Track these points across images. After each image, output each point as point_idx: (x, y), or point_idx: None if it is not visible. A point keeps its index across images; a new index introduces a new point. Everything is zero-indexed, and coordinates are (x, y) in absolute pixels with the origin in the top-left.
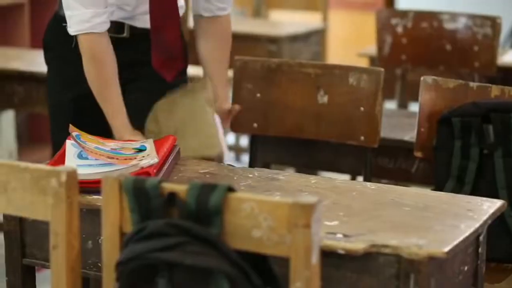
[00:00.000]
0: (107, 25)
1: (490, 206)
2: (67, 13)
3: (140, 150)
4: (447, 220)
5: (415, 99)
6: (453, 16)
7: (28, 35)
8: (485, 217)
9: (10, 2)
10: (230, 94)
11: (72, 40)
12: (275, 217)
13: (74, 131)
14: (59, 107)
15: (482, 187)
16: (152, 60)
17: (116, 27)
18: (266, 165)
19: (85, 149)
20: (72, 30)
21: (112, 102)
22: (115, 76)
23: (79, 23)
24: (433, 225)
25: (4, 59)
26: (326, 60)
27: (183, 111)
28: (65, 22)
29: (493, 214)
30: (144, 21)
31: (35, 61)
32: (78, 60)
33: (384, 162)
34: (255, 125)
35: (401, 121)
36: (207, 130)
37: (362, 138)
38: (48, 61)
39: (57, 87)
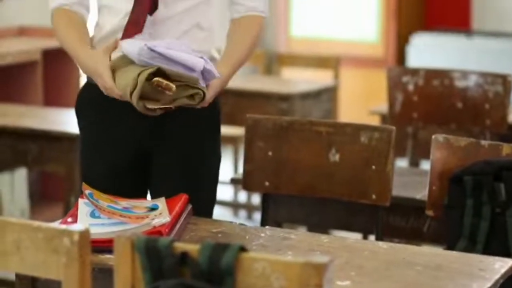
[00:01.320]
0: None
1: (502, 265)
2: None
3: (152, 209)
4: (459, 280)
5: (427, 157)
6: (464, 74)
7: (41, 93)
8: (497, 277)
9: (24, 60)
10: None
11: (105, 106)
12: (286, 277)
13: (87, 190)
14: (90, 175)
15: (494, 246)
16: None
17: None
18: (278, 224)
19: (98, 207)
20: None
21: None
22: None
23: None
24: (445, 284)
25: (17, 116)
26: (338, 117)
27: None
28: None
29: (505, 273)
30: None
31: (48, 119)
32: (111, 127)
33: (395, 221)
34: (266, 183)
35: (412, 180)
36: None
37: (374, 196)
38: (80, 128)
39: (89, 155)
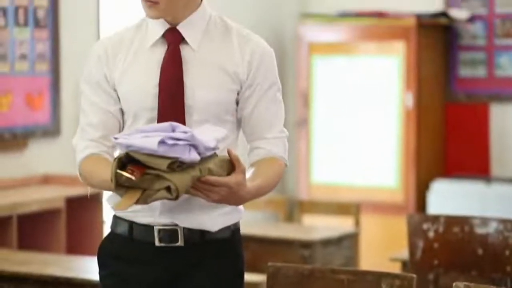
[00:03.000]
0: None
1: None
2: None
3: None
4: None
5: None
6: (484, 221)
7: (64, 241)
8: None
9: (48, 207)
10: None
11: (127, 258)
12: None
13: None
14: None
15: None
16: None
17: (168, 233)
18: None
19: None
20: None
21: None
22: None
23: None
24: None
25: (40, 265)
26: (359, 263)
27: None
28: (120, 240)
29: None
30: (193, 220)
31: (71, 267)
32: (132, 279)
33: None
34: None
35: None
36: None
37: None
38: (101, 278)
39: None
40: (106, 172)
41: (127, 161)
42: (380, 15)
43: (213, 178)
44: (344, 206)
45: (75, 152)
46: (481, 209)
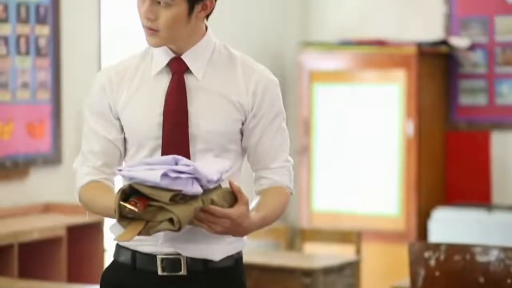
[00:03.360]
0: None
1: None
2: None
3: None
4: None
5: None
6: (485, 249)
7: (65, 269)
8: None
9: (49, 236)
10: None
11: (129, 287)
12: None
13: None
14: None
15: None
16: None
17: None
18: None
19: None
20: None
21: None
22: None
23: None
24: None
25: None
26: None
27: None
28: (123, 269)
29: None
30: (195, 250)
31: None
32: None
33: None
34: None
35: None
36: None
37: None
38: None
39: None
40: (107, 199)
41: (131, 193)
42: (380, 43)
43: (215, 208)
44: (345, 234)
45: (75, 177)
46: (483, 237)
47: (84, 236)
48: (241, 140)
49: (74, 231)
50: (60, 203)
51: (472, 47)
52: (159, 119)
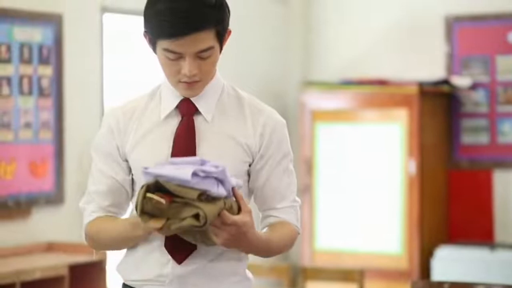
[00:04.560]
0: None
1: None
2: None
3: None
4: None
5: None
6: (489, 287)
7: None
8: None
9: (51, 275)
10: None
11: None
12: None
13: None
14: None
15: None
16: (165, 243)
17: None
18: None
19: None
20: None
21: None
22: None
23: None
24: None
25: None
26: None
27: None
28: None
29: None
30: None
31: None
32: None
33: None
34: None
35: None
36: None
37: None
38: None
39: None
40: (115, 228)
41: (155, 189)
42: (382, 83)
43: (227, 213)
44: (348, 272)
45: (83, 215)
46: (485, 275)
47: (86, 275)
48: (248, 181)
49: (76, 270)
50: (62, 242)
51: (474, 86)
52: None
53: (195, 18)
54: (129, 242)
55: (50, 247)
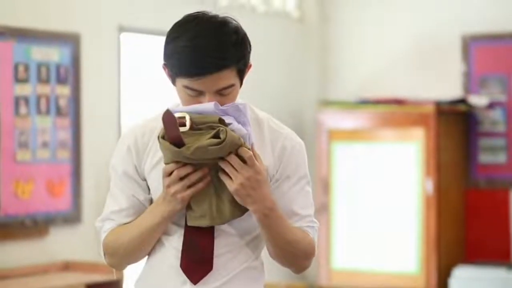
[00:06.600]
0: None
1: None
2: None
3: None
4: None
5: None
6: None
7: None
8: None
9: None
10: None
11: None
12: None
13: None
14: None
15: None
16: (181, 262)
17: None
18: None
19: None
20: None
21: (141, 223)
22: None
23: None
24: None
25: None
26: None
27: None
28: None
29: None
30: None
31: None
32: None
33: None
34: None
35: None
36: None
37: None
38: None
39: None
40: (134, 224)
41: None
42: (399, 102)
43: (248, 151)
44: None
45: (99, 234)
46: None
47: None
48: None
49: None
50: (79, 262)
51: (491, 105)
52: None
53: (216, 57)
54: (149, 238)
55: (67, 267)
